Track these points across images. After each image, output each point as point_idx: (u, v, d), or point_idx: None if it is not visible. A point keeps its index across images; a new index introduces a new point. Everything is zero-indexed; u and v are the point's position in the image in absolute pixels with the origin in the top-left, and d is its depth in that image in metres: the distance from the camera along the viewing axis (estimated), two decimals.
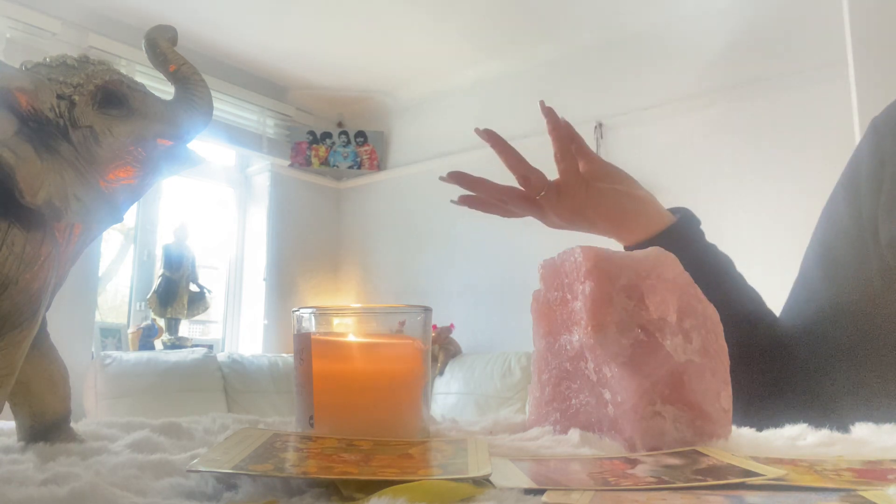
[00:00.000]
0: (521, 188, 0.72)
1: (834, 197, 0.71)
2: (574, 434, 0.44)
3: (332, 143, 3.96)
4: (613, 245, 0.62)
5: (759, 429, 0.47)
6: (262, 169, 3.84)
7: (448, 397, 3.11)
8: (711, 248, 0.73)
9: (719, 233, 0.78)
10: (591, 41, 3.20)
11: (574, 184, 0.71)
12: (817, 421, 0.46)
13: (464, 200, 0.74)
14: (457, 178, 0.73)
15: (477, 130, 0.74)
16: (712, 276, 0.67)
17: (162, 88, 0.50)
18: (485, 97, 3.59)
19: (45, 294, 0.42)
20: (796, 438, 0.44)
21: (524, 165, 0.73)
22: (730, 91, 2.75)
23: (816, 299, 0.68)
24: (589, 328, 0.45)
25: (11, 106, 0.41)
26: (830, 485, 0.31)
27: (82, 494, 0.30)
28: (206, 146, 3.49)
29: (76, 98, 0.44)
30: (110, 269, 3.62)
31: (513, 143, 0.76)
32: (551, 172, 0.74)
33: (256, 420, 0.56)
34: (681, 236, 0.70)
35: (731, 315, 0.50)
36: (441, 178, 0.73)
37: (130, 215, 3.27)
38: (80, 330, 2.87)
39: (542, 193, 0.71)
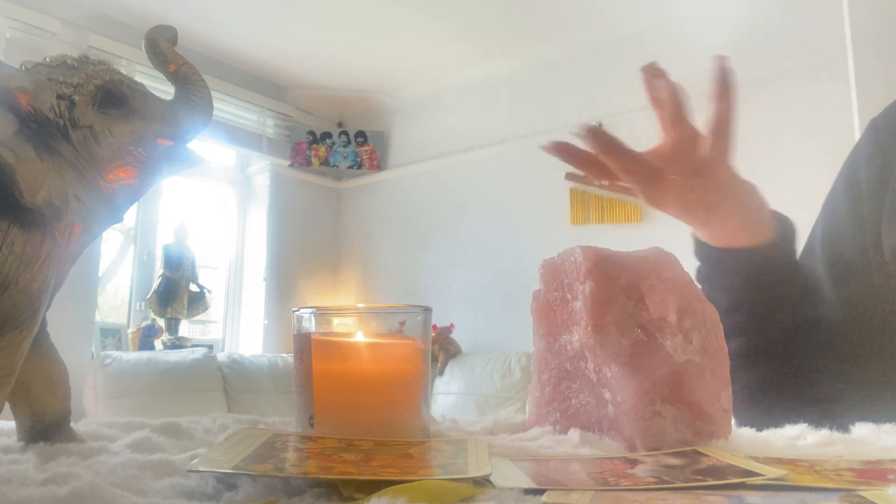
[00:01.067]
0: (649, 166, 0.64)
1: (834, 195, 0.71)
2: (574, 434, 0.44)
3: (332, 143, 3.96)
4: (612, 245, 0.61)
5: (760, 428, 0.47)
6: (262, 169, 3.84)
7: (448, 397, 3.11)
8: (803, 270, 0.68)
9: None
10: (591, 41, 3.19)
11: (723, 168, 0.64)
12: (818, 418, 0.46)
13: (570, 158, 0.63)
14: (561, 150, 0.63)
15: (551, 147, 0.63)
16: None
17: (162, 88, 0.50)
18: (485, 97, 3.59)
19: (45, 294, 0.42)
20: (796, 438, 0.44)
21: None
22: None
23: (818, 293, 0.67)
24: (589, 328, 0.45)
25: (11, 106, 0.41)
26: (830, 485, 0.31)
27: (82, 494, 0.30)
28: (206, 146, 3.49)
29: (76, 98, 0.43)
30: (110, 269, 3.62)
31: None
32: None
33: (256, 420, 0.56)
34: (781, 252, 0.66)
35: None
36: (543, 148, 0.63)
37: (130, 215, 3.27)
38: (80, 330, 2.87)
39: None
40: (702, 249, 0.67)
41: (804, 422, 0.46)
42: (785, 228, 0.67)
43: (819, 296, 0.66)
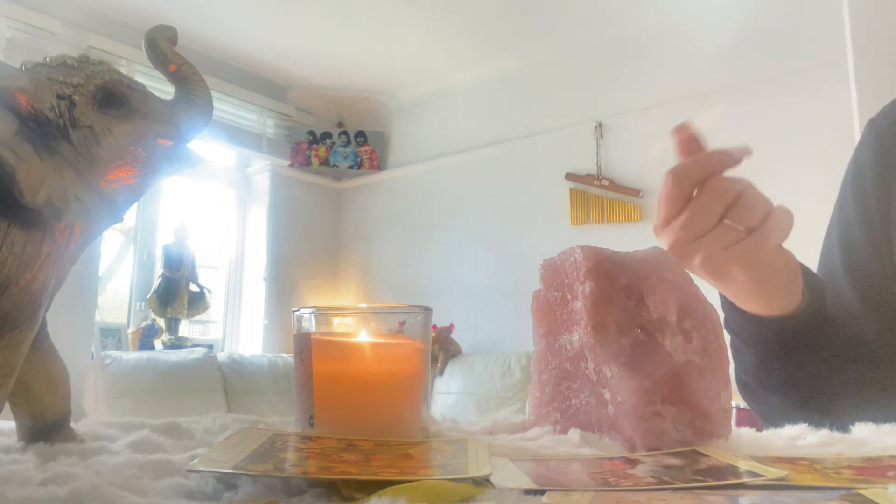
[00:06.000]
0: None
1: (843, 201, 0.70)
2: (574, 434, 0.44)
3: (332, 143, 3.96)
4: (612, 245, 0.61)
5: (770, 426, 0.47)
6: (262, 169, 3.84)
7: (448, 397, 3.11)
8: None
9: None
10: (591, 41, 3.20)
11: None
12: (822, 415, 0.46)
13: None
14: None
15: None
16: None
17: (162, 88, 0.50)
18: (485, 97, 3.59)
19: (45, 294, 0.42)
20: (796, 438, 0.44)
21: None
22: (730, 91, 2.75)
23: (845, 304, 0.66)
24: (589, 328, 0.45)
25: (11, 106, 0.41)
26: (831, 483, 0.31)
27: (82, 494, 0.30)
28: (206, 146, 3.49)
29: (76, 98, 0.43)
30: (110, 269, 3.62)
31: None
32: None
33: (256, 420, 0.56)
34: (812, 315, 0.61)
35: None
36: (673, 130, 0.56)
37: (130, 215, 3.27)
38: (80, 330, 2.87)
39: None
40: (726, 303, 0.62)
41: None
42: (812, 288, 0.60)
43: (856, 338, 0.63)
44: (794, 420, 0.59)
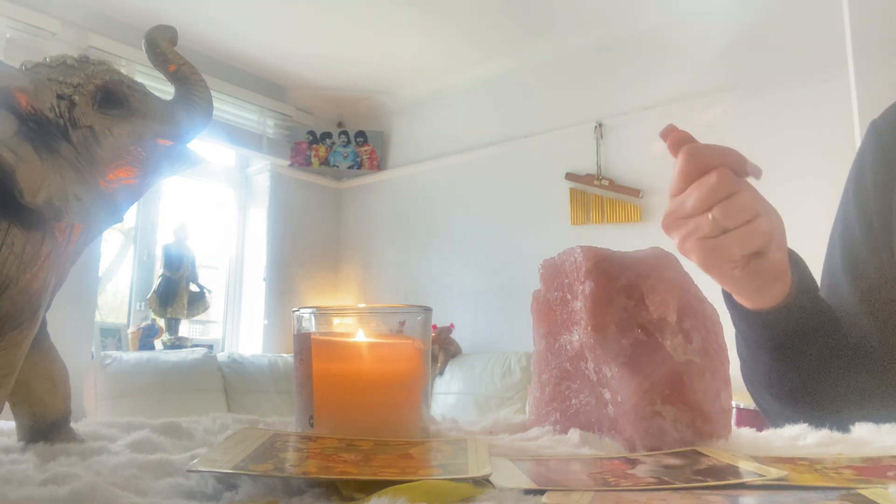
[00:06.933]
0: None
1: (845, 203, 0.70)
2: (574, 434, 0.44)
3: (332, 143, 3.96)
4: (612, 245, 0.60)
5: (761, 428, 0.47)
6: (262, 169, 3.84)
7: (448, 397, 3.11)
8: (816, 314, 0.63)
9: None
10: (591, 41, 3.20)
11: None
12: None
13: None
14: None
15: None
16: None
17: (162, 88, 0.50)
18: (484, 97, 3.59)
19: (45, 294, 0.42)
20: (796, 438, 0.44)
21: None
22: (729, 91, 2.75)
23: (846, 305, 0.66)
24: (589, 328, 0.45)
25: (11, 106, 0.41)
26: (831, 483, 0.31)
27: (82, 494, 0.30)
28: (206, 146, 3.49)
29: (76, 98, 0.43)
30: (110, 269, 3.62)
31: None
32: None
33: (256, 420, 0.56)
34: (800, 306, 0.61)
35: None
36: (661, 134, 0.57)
37: (130, 215, 3.27)
38: (80, 330, 2.87)
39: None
40: (723, 290, 0.62)
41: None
42: (800, 287, 0.60)
43: (850, 332, 0.63)
44: (784, 413, 0.59)
